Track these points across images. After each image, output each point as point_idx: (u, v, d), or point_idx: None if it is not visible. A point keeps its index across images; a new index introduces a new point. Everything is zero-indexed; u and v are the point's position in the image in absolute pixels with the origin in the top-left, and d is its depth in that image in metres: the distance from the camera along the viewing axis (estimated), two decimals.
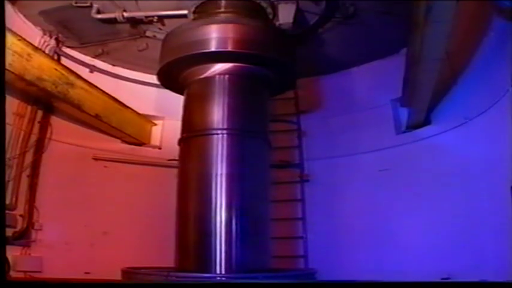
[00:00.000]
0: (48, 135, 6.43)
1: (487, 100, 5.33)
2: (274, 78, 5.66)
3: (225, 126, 5.11)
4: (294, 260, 6.99)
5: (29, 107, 6.20)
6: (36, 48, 5.80)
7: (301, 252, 6.99)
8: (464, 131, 5.78)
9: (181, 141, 5.46)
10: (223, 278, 4.56)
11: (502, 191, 4.79)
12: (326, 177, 7.27)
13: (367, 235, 6.69)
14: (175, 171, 5.59)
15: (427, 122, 6.36)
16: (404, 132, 6.71)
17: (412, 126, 6.55)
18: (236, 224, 4.79)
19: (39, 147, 6.31)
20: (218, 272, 4.62)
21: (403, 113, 6.67)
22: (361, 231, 6.76)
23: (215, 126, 5.14)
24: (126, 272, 4.73)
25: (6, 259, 5.34)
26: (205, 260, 4.72)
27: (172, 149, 5.93)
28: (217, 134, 5.08)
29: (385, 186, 6.70)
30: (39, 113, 6.36)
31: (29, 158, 6.17)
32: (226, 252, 4.69)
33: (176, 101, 5.98)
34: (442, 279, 5.70)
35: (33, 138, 6.26)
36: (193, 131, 5.32)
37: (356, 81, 7.47)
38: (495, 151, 5.13)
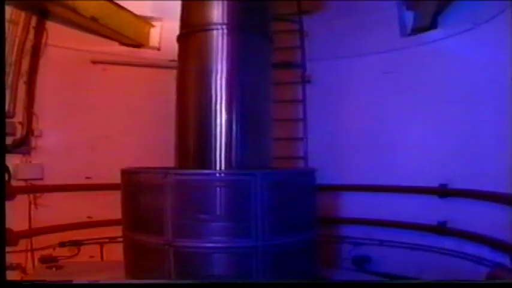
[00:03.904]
0: (44, 41, 6.22)
1: (495, 6, 5.16)
2: None
3: (225, 21, 4.87)
4: (294, 160, 7.12)
5: (23, 13, 5.93)
6: None
7: (301, 154, 7.09)
8: (471, 36, 5.65)
9: (180, 38, 5.26)
10: (222, 174, 4.60)
11: (505, 99, 4.83)
12: (328, 78, 7.21)
13: (367, 138, 6.78)
14: (174, 72, 5.45)
15: (433, 25, 6.17)
16: (409, 35, 6.54)
17: (417, 30, 6.39)
18: (236, 121, 4.74)
19: (36, 53, 6.13)
20: (218, 169, 4.65)
21: (409, 16, 6.50)
22: (362, 134, 6.85)
23: (215, 21, 4.90)
24: (126, 172, 4.73)
25: (7, 168, 5.36)
26: (205, 158, 4.71)
27: (172, 50, 5.76)
28: (217, 29, 4.86)
29: (387, 90, 6.67)
30: (34, 19, 6.10)
31: (25, 64, 6.03)
32: (226, 149, 4.67)
33: (174, 1, 5.71)
34: (440, 185, 5.82)
35: (29, 44, 6.06)
36: (192, 26, 5.10)
37: None
38: (501, 59, 5.06)
